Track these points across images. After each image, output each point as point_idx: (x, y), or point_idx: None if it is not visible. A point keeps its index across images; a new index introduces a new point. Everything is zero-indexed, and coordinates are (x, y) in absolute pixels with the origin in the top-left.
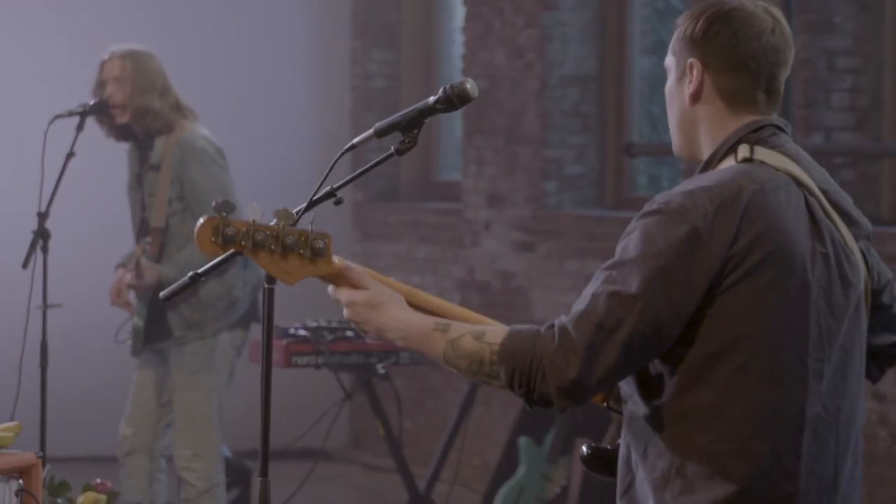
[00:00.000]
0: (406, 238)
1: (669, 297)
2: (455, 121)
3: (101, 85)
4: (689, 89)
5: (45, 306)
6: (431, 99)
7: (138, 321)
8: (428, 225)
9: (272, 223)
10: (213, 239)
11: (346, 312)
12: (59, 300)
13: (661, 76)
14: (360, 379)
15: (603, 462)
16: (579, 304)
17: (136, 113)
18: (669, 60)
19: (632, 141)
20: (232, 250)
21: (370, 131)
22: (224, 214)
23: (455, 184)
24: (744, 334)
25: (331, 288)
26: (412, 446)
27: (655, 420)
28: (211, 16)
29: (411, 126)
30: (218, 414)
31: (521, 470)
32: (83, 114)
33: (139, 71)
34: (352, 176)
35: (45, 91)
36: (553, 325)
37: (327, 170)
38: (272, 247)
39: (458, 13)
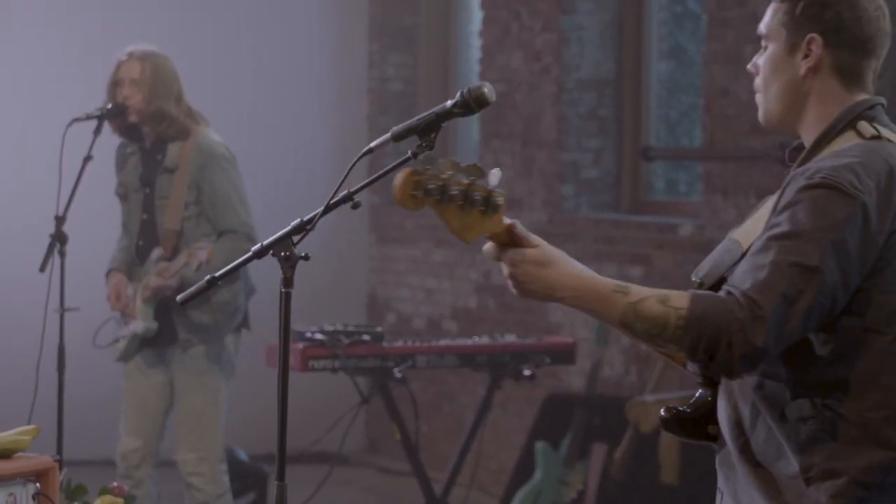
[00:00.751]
0: (422, 242)
1: (843, 270)
2: (472, 124)
3: (117, 84)
4: (806, 63)
5: (63, 310)
6: (449, 103)
7: (147, 325)
8: (444, 228)
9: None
10: (413, 192)
11: (508, 271)
12: (76, 304)
13: (679, 80)
14: (376, 383)
15: (685, 423)
16: (758, 273)
17: (152, 117)
18: (771, 30)
19: (649, 145)
20: (427, 204)
21: (387, 135)
22: (427, 168)
23: None
24: None
25: (487, 245)
26: (429, 450)
27: (799, 385)
28: (228, 18)
29: (429, 130)
30: (224, 417)
31: (538, 474)
32: (101, 117)
33: (157, 75)
34: (369, 180)
35: (62, 94)
36: (732, 293)
37: (345, 173)
38: (461, 202)
39: (476, 17)
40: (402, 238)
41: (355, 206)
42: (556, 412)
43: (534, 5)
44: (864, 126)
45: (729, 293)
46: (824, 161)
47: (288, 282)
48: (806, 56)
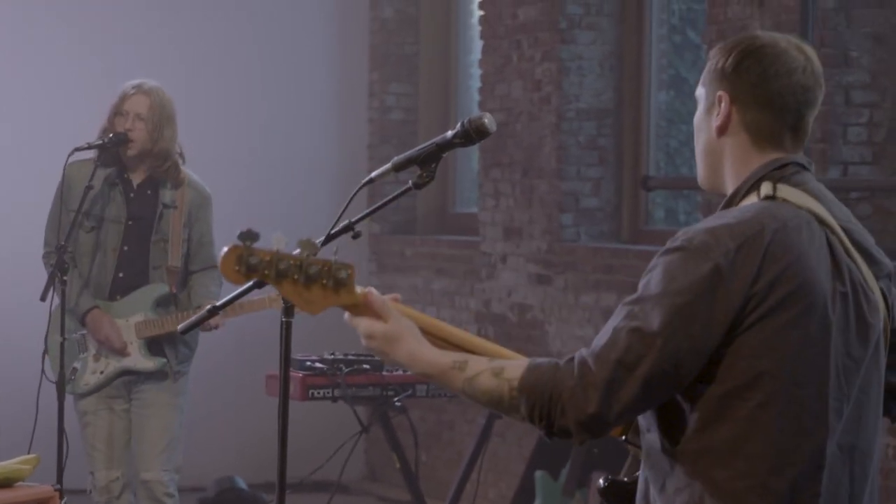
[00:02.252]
0: (423, 271)
1: (690, 335)
2: (472, 154)
3: (120, 115)
4: (716, 121)
5: (63, 339)
6: (449, 133)
7: (156, 363)
8: (444, 257)
9: (295, 252)
10: (236, 267)
11: (364, 342)
12: (76, 333)
13: (678, 110)
14: (376, 411)
15: (621, 495)
16: (600, 339)
17: (156, 157)
18: (700, 91)
19: (648, 174)
20: (255, 279)
21: (388, 165)
22: (248, 243)
23: (472, 216)
24: (765, 372)
25: (347, 315)
26: (428, 479)
27: (674, 455)
28: (229, 48)
29: (429, 160)
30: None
31: (537, 503)
32: (102, 146)
33: (163, 114)
34: (370, 210)
35: (64, 124)
36: (573, 359)
37: (345, 203)
38: (295, 276)
39: (476, 46)
40: (402, 267)
41: (356, 236)
42: (556, 441)
43: (534, 35)
44: (765, 186)
45: (570, 359)
46: (699, 224)
47: (288, 311)
48: (718, 114)
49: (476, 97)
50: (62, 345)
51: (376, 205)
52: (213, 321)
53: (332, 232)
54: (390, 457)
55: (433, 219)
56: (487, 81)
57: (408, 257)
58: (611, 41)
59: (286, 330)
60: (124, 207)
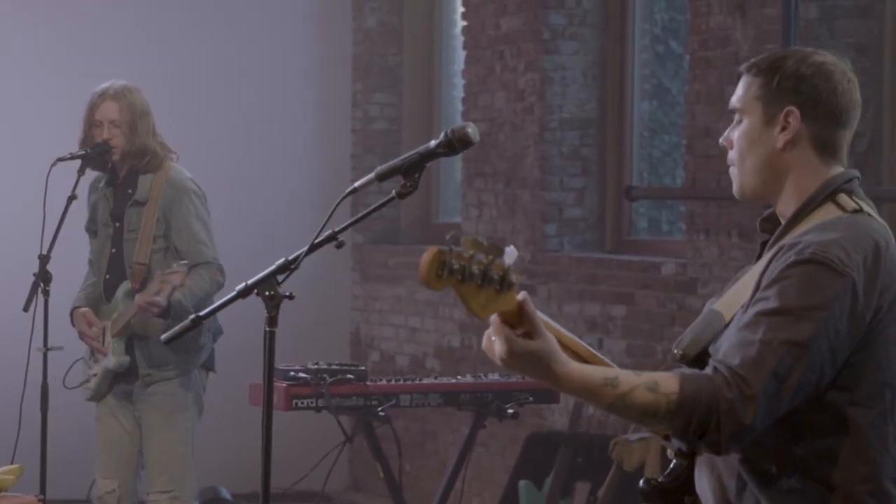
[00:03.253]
0: (406, 280)
1: (832, 347)
2: (455, 163)
3: (95, 125)
4: (784, 136)
5: (46, 349)
6: (433, 143)
7: (119, 360)
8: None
9: (473, 255)
10: (439, 273)
11: (500, 355)
12: (59, 343)
13: (661, 120)
14: (360, 421)
15: (664, 494)
16: (747, 350)
17: (135, 154)
18: (747, 104)
19: (631, 184)
20: (448, 285)
21: (371, 175)
22: (452, 248)
23: (455, 226)
24: (886, 382)
25: (495, 321)
26: (412, 489)
27: (790, 458)
28: (213, 59)
29: (412, 170)
30: (191, 454)
31: None
32: (85, 156)
33: (135, 112)
34: (354, 219)
35: (46, 134)
36: (718, 370)
37: (329, 213)
38: (479, 281)
39: (459, 57)
40: (385, 277)
41: (339, 246)
42: (540, 451)
43: (517, 45)
44: (844, 199)
45: (716, 370)
46: (810, 235)
47: (272, 321)
48: (783, 129)
49: (459, 107)
50: (45, 355)
51: (360, 214)
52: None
53: (316, 241)
54: (374, 467)
55: (416, 228)
56: (471, 91)
57: (391, 267)
58: (594, 51)
59: (270, 340)
60: (110, 209)
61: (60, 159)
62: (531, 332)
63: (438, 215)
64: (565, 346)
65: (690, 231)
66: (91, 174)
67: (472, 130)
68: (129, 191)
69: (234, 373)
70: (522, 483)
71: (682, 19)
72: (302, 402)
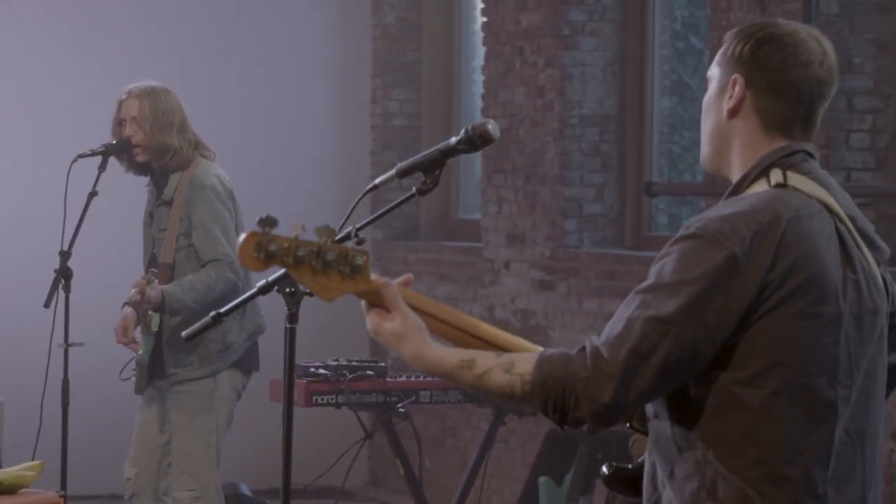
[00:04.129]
0: (426, 277)
1: (705, 323)
2: (475, 160)
3: (119, 124)
4: (728, 104)
5: (67, 345)
6: (453, 139)
7: (143, 356)
8: (448, 263)
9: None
10: (255, 254)
11: (369, 330)
12: (80, 339)
13: (681, 116)
14: (379, 417)
15: (625, 481)
16: (614, 327)
17: (154, 151)
18: (713, 72)
19: (651, 180)
20: (273, 266)
21: (392, 171)
22: (267, 230)
23: (475, 223)
24: (778, 360)
25: (362, 303)
26: (432, 485)
27: (685, 441)
28: (233, 55)
29: (433, 166)
30: (216, 456)
31: None
32: (105, 153)
33: (156, 109)
34: (374, 216)
35: (67, 130)
36: (584, 349)
37: (349, 209)
38: (313, 263)
39: (479, 52)
40: (405, 273)
41: (360, 243)
42: (559, 447)
43: (537, 41)
44: (775, 173)
45: (582, 349)
46: (711, 210)
47: (293, 318)
48: (731, 98)
49: (479, 103)
50: (66, 351)
51: (380, 211)
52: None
53: (337, 238)
54: (394, 463)
55: (436, 225)
56: (490, 88)
57: (411, 263)
58: (613, 47)
59: (290, 336)
60: (149, 210)
61: (81, 156)
62: (391, 312)
63: (458, 211)
64: (443, 321)
65: None
66: (113, 173)
67: (492, 127)
68: (163, 190)
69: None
70: (542, 480)
71: (702, 15)
72: (322, 399)
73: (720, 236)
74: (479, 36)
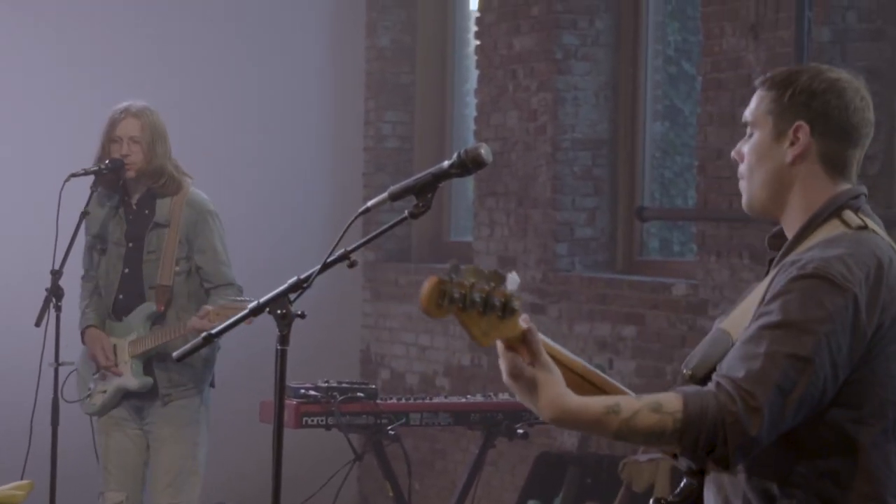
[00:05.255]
0: (417, 299)
1: (834, 362)
2: (467, 182)
3: (113, 141)
4: (793, 150)
5: (58, 364)
6: (446, 163)
7: (142, 381)
8: None
9: (476, 283)
10: (439, 301)
11: (505, 379)
12: (71, 358)
13: (673, 141)
14: (369, 439)
15: None
16: (751, 364)
17: (151, 175)
18: (759, 118)
19: (643, 205)
20: (449, 314)
21: (384, 194)
22: (453, 277)
23: (467, 245)
24: (888, 400)
25: (500, 347)
26: None
27: (792, 477)
28: (227, 75)
29: (425, 190)
30: (201, 468)
31: None
32: (98, 172)
33: (155, 132)
34: (366, 238)
35: (59, 149)
36: (721, 384)
37: (341, 232)
38: (480, 309)
39: (472, 76)
40: (396, 295)
41: (352, 265)
42: (549, 470)
43: (529, 65)
44: (849, 216)
45: (719, 385)
46: (814, 251)
47: (284, 339)
48: (793, 144)
49: (472, 126)
50: (56, 370)
51: (373, 233)
52: (200, 324)
53: (329, 260)
54: (383, 485)
55: (428, 247)
56: (483, 111)
57: (402, 285)
58: (606, 72)
59: (281, 358)
60: (124, 229)
61: (74, 175)
62: (532, 360)
63: (450, 234)
64: (573, 371)
65: (702, 252)
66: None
67: (485, 151)
68: (146, 212)
69: (245, 390)
70: (531, 503)
71: (695, 41)
72: (312, 420)
73: (841, 278)
74: (473, 59)
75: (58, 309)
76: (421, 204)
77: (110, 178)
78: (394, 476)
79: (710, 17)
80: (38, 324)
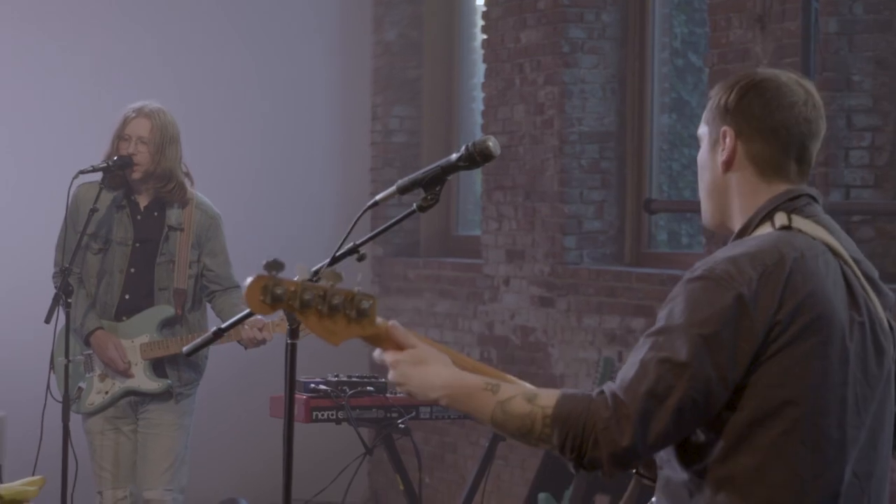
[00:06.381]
0: (426, 293)
1: (717, 364)
2: (475, 176)
3: (122, 139)
4: (721, 157)
5: (68, 360)
6: (454, 156)
7: (160, 384)
8: (447, 280)
9: (318, 283)
10: (261, 298)
11: (391, 374)
12: (80, 355)
13: (680, 133)
14: (379, 433)
15: None
16: (628, 371)
17: (160, 178)
18: (702, 130)
19: (651, 197)
20: (279, 309)
21: (393, 188)
22: (273, 273)
23: (475, 239)
24: (788, 401)
25: (376, 352)
26: (431, 501)
27: (694, 485)
28: (233, 72)
29: (433, 183)
30: (189, 457)
31: None
32: (106, 169)
33: (166, 135)
34: (375, 232)
35: (68, 147)
36: (603, 391)
37: (350, 226)
38: (319, 307)
39: (479, 70)
40: (405, 289)
41: (361, 259)
42: (559, 464)
43: (536, 59)
44: (779, 216)
45: (601, 392)
46: (716, 253)
47: (294, 333)
48: (723, 150)
49: (479, 120)
50: (66, 367)
51: (381, 227)
52: (259, 335)
53: (337, 254)
54: (393, 479)
55: (436, 241)
56: (490, 105)
57: (411, 280)
58: (613, 65)
59: (291, 352)
60: (131, 229)
61: (82, 172)
62: (405, 345)
63: (458, 228)
64: (462, 364)
65: (710, 244)
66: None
67: (493, 144)
68: (156, 214)
69: (255, 385)
70: (542, 496)
71: (702, 32)
72: (322, 415)
73: (727, 278)
74: (480, 53)
75: (67, 306)
76: (429, 197)
77: (117, 175)
78: (404, 470)
79: (716, 8)
80: (47, 321)
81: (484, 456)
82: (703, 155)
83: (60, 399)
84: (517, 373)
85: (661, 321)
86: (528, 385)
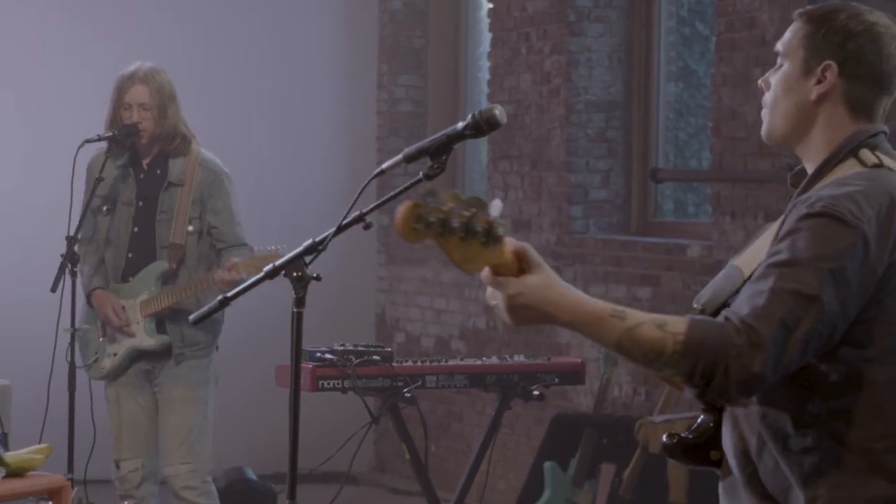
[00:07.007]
0: (432, 262)
1: (842, 300)
2: (481, 146)
3: (123, 107)
4: (818, 88)
5: (74, 329)
6: (460, 125)
7: (158, 340)
8: None
9: (462, 210)
10: (415, 225)
11: (507, 301)
12: (86, 323)
13: (687, 102)
14: (385, 402)
15: (688, 450)
16: (756, 300)
17: (165, 137)
18: (790, 49)
19: (657, 166)
20: (427, 238)
21: (399, 157)
22: (429, 200)
23: None
24: None
25: (485, 273)
26: (437, 470)
27: (806, 416)
28: (239, 42)
29: (440, 152)
30: (210, 426)
31: (547, 494)
32: (112, 138)
33: (164, 94)
34: (381, 201)
35: (73, 115)
36: (730, 318)
37: (356, 194)
38: (462, 234)
39: (485, 39)
40: (411, 258)
41: (367, 227)
42: (565, 432)
43: (543, 27)
44: (865, 154)
45: (727, 319)
46: (825, 189)
47: (300, 302)
48: (819, 82)
49: (485, 89)
50: (73, 335)
51: (387, 196)
52: (228, 275)
53: (344, 223)
54: (400, 448)
55: None
56: (496, 74)
57: (417, 249)
58: (619, 33)
59: (297, 321)
60: (135, 188)
61: (88, 141)
62: (527, 269)
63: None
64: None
65: (716, 213)
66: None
67: (499, 112)
68: (158, 171)
69: (261, 354)
70: (548, 464)
71: (709, 1)
72: (328, 384)
73: (850, 216)
74: (486, 22)
75: (73, 275)
76: (435, 165)
77: (122, 141)
78: (410, 439)
79: None
80: (53, 289)
81: (490, 425)
82: (788, 76)
83: (79, 366)
84: (522, 342)
85: (783, 253)
86: (657, 314)
